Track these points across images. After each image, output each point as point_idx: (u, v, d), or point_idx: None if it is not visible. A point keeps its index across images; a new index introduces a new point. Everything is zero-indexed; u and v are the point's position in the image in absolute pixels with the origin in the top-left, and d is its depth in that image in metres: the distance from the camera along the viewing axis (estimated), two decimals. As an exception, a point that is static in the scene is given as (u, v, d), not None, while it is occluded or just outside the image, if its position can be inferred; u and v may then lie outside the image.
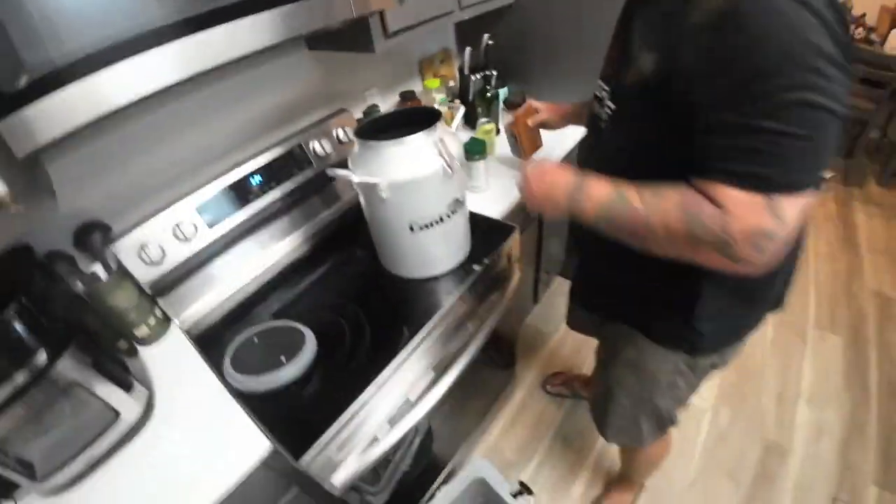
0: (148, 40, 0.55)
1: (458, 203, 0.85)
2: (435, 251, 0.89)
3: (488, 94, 1.35)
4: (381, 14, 0.93)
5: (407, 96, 1.35)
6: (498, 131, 1.37)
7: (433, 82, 1.40)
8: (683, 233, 0.53)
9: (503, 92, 1.46)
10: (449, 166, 0.75)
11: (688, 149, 0.53)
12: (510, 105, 1.48)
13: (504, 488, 1.14)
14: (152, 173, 0.92)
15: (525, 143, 1.13)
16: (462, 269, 0.93)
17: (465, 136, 1.40)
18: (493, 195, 1.15)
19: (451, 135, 0.80)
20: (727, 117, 0.49)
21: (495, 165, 1.25)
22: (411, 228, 0.82)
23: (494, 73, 1.38)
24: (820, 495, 1.27)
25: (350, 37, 0.97)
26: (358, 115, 1.31)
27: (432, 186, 0.77)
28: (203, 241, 0.92)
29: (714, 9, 0.48)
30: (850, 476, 1.31)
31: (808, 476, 1.32)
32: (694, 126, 0.52)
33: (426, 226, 0.82)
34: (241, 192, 0.97)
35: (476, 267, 0.93)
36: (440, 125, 0.77)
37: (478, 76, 1.37)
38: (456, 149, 0.79)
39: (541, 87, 1.48)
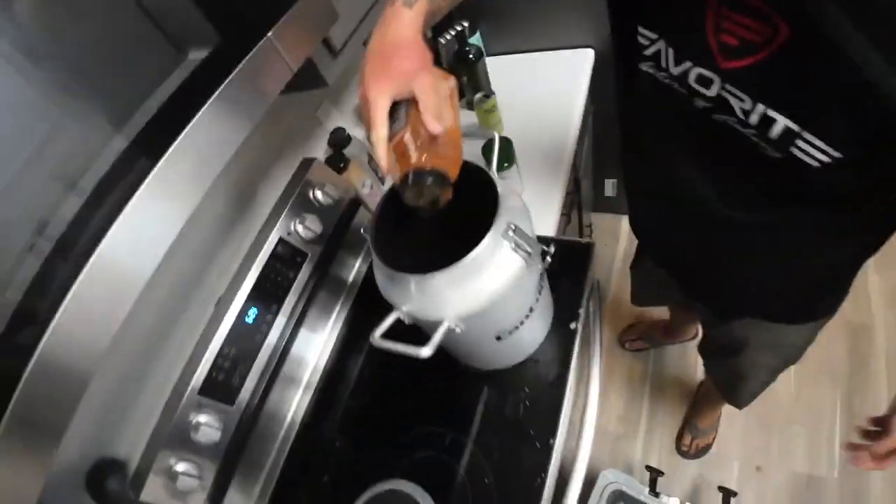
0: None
1: (542, 278, 0.61)
2: (528, 337, 0.67)
3: (470, 56, 1.01)
4: (325, 39, 0.60)
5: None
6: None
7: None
8: None
9: (477, 40, 1.11)
10: (529, 254, 0.50)
11: None
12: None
13: (643, 491, 1.08)
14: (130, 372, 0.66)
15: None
16: (557, 334, 0.72)
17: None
18: (530, 197, 0.89)
19: (520, 209, 0.53)
20: None
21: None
22: (498, 338, 0.60)
23: (465, 23, 1.03)
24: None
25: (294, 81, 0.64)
26: (321, 151, 0.99)
27: (515, 289, 0.53)
28: (231, 424, 0.70)
29: None
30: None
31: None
32: None
33: (515, 328, 0.60)
34: (244, 339, 0.72)
35: (573, 325, 0.72)
36: (507, 198, 0.51)
37: (448, 36, 1.02)
38: (529, 224, 0.54)
39: (527, 25, 1.13)
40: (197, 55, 0.44)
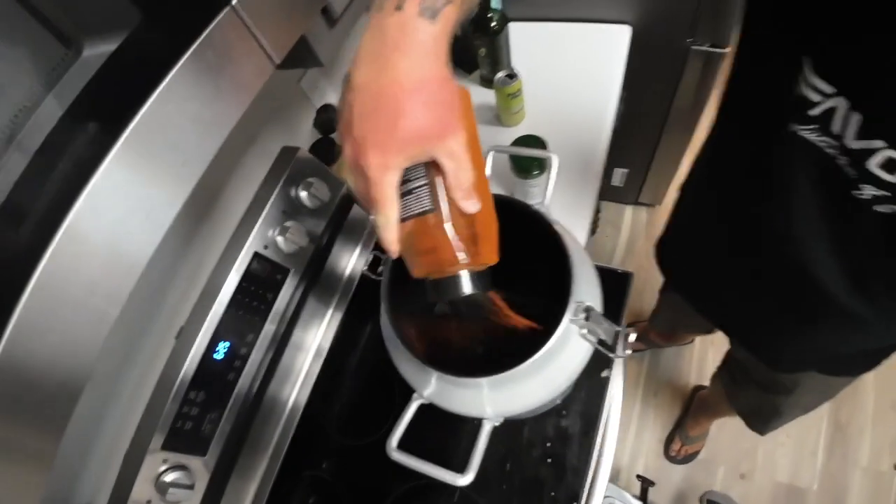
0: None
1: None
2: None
3: (493, 25, 0.83)
4: (324, 8, 0.43)
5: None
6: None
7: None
8: None
9: (498, 2, 0.92)
10: (603, 342, 0.38)
11: None
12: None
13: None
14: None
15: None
16: (588, 380, 0.63)
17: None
18: (558, 206, 0.76)
19: (591, 276, 0.41)
20: None
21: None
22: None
23: (488, -20, 0.84)
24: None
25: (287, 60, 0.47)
26: (305, 134, 0.81)
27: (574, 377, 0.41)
28: (205, 476, 0.58)
29: None
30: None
31: None
32: None
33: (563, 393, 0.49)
34: (214, 380, 0.59)
35: (605, 373, 0.63)
36: (580, 266, 0.38)
37: (465, -4, 0.83)
38: (598, 294, 0.41)
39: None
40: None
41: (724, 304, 0.64)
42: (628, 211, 1.63)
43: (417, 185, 0.32)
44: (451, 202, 0.32)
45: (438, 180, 0.32)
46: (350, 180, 0.32)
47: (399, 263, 0.42)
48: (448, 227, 0.32)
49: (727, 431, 1.28)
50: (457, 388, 0.38)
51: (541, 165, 0.68)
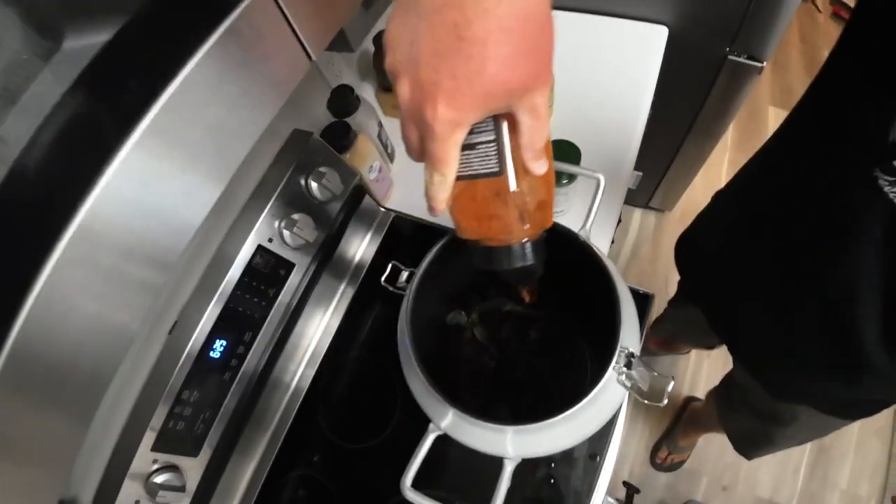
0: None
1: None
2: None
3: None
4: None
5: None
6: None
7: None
8: None
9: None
10: (642, 391, 0.36)
11: None
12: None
13: (620, 518, 1.07)
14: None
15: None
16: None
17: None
18: (578, 215, 0.73)
19: (633, 320, 0.37)
20: None
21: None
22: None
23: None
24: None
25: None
26: (317, 117, 0.76)
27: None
28: (195, 477, 0.56)
29: None
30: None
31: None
32: None
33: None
34: (209, 379, 0.55)
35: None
36: (625, 310, 0.34)
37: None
38: (636, 334, 0.38)
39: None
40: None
41: (740, 324, 0.61)
42: (637, 214, 1.60)
43: (483, 139, 0.28)
44: (518, 162, 0.28)
45: (507, 136, 0.28)
46: (402, 126, 0.27)
47: (422, 283, 0.39)
48: (514, 193, 0.29)
49: (714, 444, 1.29)
50: (478, 428, 0.35)
51: (570, 175, 0.64)
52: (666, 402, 0.37)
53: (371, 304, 0.76)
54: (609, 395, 0.35)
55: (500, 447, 0.35)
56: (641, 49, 0.89)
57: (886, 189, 0.32)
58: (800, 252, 0.45)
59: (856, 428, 1.28)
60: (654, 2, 0.88)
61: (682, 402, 1.34)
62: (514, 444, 0.35)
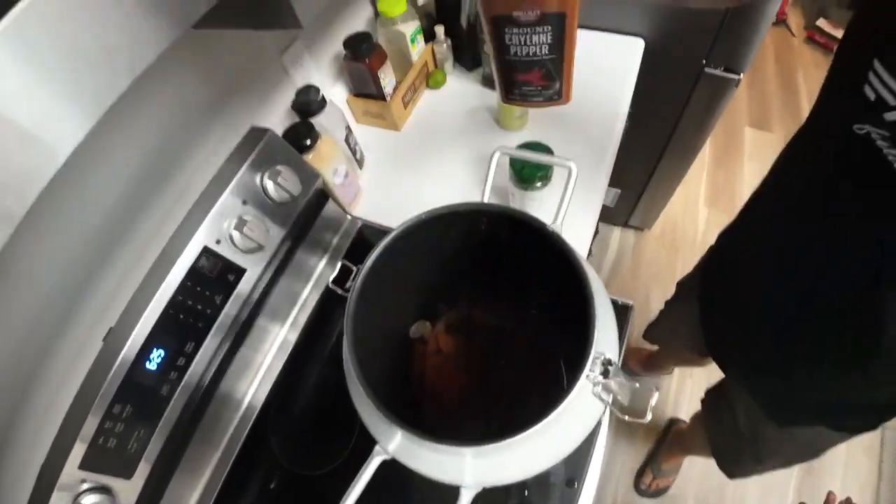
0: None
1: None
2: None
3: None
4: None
5: (358, 43, 0.74)
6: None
7: (394, 5, 0.77)
8: None
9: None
10: (619, 403, 0.31)
11: None
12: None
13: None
14: None
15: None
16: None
17: (463, 88, 0.85)
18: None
19: (611, 323, 0.33)
20: None
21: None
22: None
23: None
24: None
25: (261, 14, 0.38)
26: (280, 115, 0.72)
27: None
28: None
29: None
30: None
31: None
32: None
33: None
34: (144, 392, 0.49)
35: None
36: (601, 316, 0.30)
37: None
38: (616, 341, 0.34)
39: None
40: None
41: (751, 339, 0.58)
42: (616, 232, 1.59)
43: None
44: None
45: None
46: None
47: (369, 282, 0.34)
48: None
49: (698, 466, 1.24)
50: (428, 451, 0.30)
51: (545, 177, 0.61)
52: (650, 417, 0.33)
53: (333, 318, 0.71)
54: (584, 408, 0.31)
55: (455, 473, 0.30)
56: (618, 60, 0.88)
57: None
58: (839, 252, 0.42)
59: (844, 445, 1.24)
60: (631, 15, 0.88)
61: (665, 425, 1.30)
62: (475, 468, 0.30)
